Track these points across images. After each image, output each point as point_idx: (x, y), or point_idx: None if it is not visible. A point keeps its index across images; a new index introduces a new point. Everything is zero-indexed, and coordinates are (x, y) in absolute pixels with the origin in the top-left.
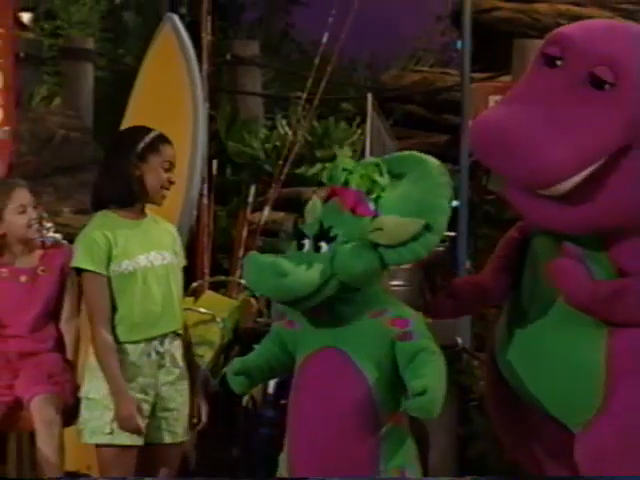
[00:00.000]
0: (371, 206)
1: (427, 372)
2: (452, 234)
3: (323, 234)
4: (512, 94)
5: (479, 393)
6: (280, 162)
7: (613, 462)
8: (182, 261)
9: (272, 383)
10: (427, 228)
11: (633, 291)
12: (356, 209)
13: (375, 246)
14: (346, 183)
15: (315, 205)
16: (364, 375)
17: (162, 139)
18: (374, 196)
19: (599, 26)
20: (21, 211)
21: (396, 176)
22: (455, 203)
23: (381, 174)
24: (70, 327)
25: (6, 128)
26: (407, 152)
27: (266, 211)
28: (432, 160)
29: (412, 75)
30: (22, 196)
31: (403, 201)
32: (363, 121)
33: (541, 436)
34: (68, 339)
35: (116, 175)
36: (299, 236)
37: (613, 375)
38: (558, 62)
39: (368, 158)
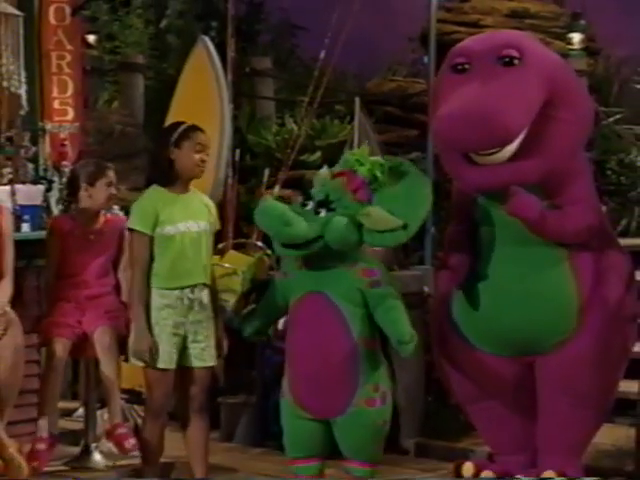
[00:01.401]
0: (368, 194)
1: (399, 317)
2: None
3: (326, 203)
4: (445, 100)
5: None
6: (288, 151)
7: (589, 373)
8: (216, 226)
9: (281, 321)
10: (403, 227)
11: (572, 215)
12: (357, 192)
13: (360, 226)
14: (355, 171)
15: (322, 176)
16: (342, 312)
17: (193, 128)
18: (373, 187)
19: (490, 32)
20: (108, 186)
21: (395, 176)
22: None
23: (382, 173)
24: (125, 276)
25: (76, 124)
26: (406, 163)
27: (277, 189)
28: (423, 177)
29: (390, 83)
30: (112, 175)
31: (395, 201)
32: (352, 119)
33: (475, 370)
34: (124, 285)
35: (158, 162)
36: (306, 197)
37: (583, 289)
38: (467, 66)
39: (377, 157)
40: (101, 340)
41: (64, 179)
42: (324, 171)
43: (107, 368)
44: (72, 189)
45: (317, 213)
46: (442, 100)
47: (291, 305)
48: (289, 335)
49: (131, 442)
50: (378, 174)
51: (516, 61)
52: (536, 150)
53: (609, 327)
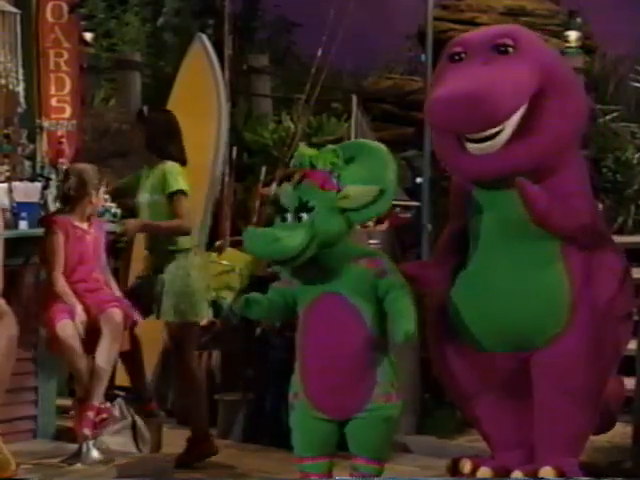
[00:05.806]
0: (335, 182)
1: (405, 309)
2: (417, 204)
3: (302, 207)
4: (440, 83)
5: None
6: (284, 149)
7: (580, 369)
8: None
9: None
10: (381, 193)
11: (574, 208)
12: (325, 185)
13: (343, 211)
14: (313, 166)
15: (287, 190)
16: (359, 311)
17: None
18: (336, 174)
19: (488, 26)
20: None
21: (348, 160)
22: (419, 180)
23: (338, 157)
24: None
25: (74, 122)
26: (355, 140)
27: (273, 186)
28: (376, 144)
29: (386, 81)
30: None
31: (360, 176)
32: (349, 117)
33: (473, 368)
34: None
35: None
36: (281, 210)
37: (575, 285)
38: (463, 55)
39: (328, 146)
40: (111, 321)
41: (61, 176)
42: (286, 185)
43: (104, 353)
44: (79, 194)
45: (299, 219)
46: (437, 86)
47: (304, 308)
48: (303, 338)
49: (86, 432)
50: (336, 160)
51: (510, 49)
52: (526, 139)
53: (600, 324)
